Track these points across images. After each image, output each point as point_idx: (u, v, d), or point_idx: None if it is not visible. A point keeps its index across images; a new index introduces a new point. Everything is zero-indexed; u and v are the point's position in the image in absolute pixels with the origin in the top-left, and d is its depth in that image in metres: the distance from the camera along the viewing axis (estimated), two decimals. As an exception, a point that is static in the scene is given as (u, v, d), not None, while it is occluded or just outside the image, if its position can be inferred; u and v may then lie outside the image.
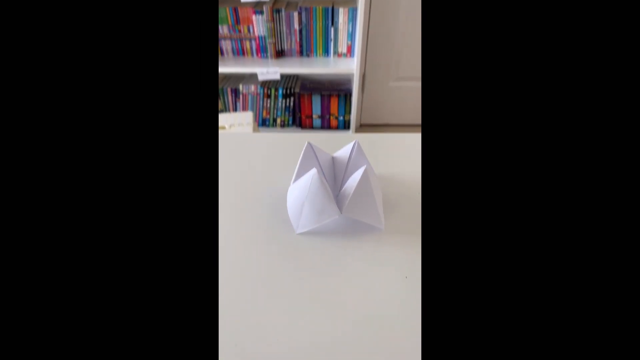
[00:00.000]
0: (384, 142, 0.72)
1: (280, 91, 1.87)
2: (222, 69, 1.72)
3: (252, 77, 1.93)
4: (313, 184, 0.47)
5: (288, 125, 1.97)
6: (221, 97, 1.93)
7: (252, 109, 1.93)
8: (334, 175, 0.56)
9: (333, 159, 0.57)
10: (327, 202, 0.48)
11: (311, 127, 1.97)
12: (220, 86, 1.90)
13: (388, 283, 0.44)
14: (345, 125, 1.95)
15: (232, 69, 1.73)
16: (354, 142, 0.55)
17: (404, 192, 0.57)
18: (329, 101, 1.89)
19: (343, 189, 0.51)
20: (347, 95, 1.86)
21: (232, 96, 1.93)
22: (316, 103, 1.90)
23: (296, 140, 0.72)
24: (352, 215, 0.49)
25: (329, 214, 0.48)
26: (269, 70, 1.69)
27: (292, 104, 1.91)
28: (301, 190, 0.49)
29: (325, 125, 1.96)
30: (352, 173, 0.54)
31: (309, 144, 0.54)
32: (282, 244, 0.49)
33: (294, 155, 0.65)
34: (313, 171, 0.48)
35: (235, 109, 1.95)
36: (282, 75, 1.91)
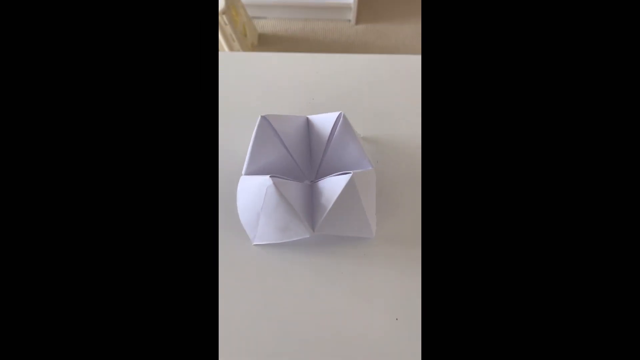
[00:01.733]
0: (384, 71, 0.50)
1: None
2: None
3: None
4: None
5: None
6: None
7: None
8: (308, 145, 0.39)
9: (308, 121, 0.38)
10: (291, 219, 0.32)
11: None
12: None
13: (374, 325, 0.33)
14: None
15: None
16: (338, 114, 0.35)
17: (404, 171, 0.41)
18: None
19: (320, 186, 0.34)
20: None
21: None
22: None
23: (268, 64, 0.49)
24: (330, 232, 0.34)
25: (295, 232, 0.33)
26: None
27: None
28: (254, 197, 0.33)
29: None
30: (334, 154, 0.36)
31: (263, 118, 0.34)
32: (232, 258, 0.35)
33: (262, 94, 0.45)
34: (266, 181, 0.30)
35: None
36: None
